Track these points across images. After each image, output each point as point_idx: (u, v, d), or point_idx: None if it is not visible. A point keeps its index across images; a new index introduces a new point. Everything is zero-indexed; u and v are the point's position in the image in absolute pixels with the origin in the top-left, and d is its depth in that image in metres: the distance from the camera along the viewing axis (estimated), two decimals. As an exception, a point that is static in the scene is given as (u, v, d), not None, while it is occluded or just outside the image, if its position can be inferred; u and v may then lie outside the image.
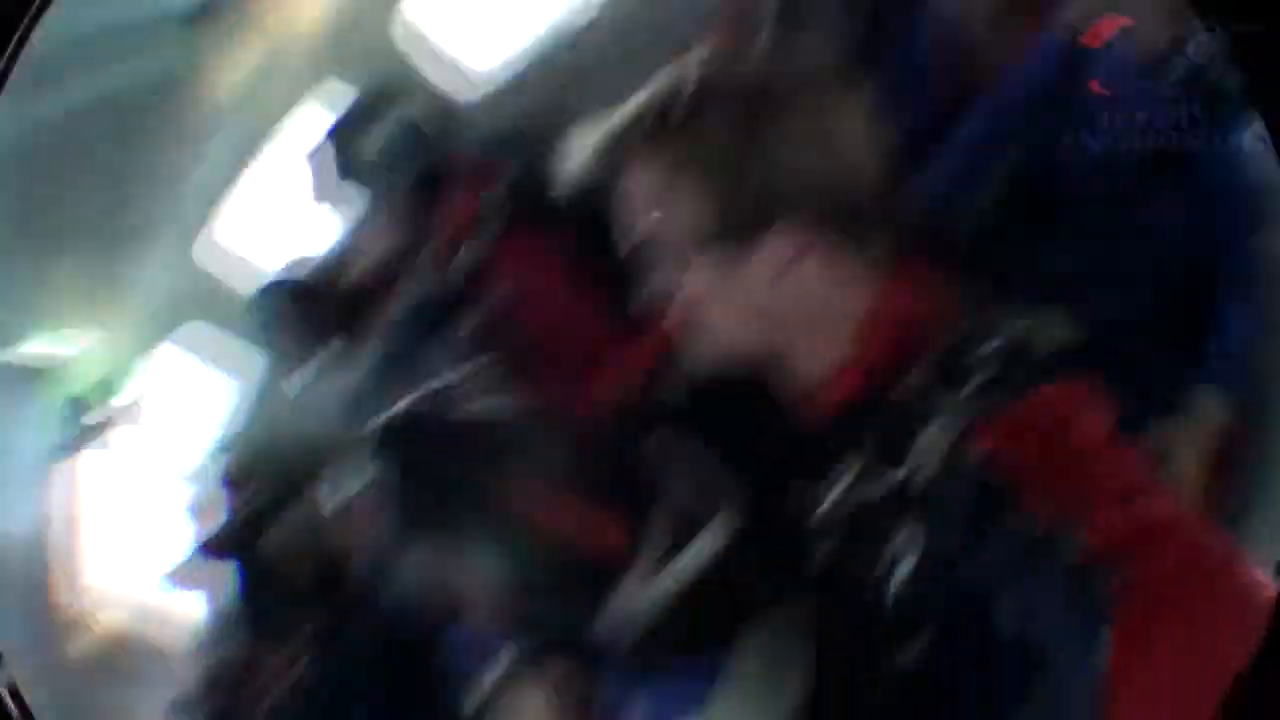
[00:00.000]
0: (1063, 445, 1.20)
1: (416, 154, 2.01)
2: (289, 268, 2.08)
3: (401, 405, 1.54)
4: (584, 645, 1.40)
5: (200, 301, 2.10)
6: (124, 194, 1.98)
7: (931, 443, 1.21)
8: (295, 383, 2.04)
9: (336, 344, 2.02)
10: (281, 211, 2.10)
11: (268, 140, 2.07)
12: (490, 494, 1.41)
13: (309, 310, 2.03)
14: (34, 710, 1.51)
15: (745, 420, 1.34)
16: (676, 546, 1.35)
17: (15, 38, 1.51)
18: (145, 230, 2.04)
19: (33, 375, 2.08)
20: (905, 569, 1.22)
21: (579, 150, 1.25)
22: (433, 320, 1.91)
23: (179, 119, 2.01)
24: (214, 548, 2.00)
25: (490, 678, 1.50)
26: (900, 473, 1.23)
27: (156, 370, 2.14)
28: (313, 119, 2.04)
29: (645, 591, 1.35)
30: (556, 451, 1.47)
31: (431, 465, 1.44)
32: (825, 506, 1.27)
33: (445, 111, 2.06)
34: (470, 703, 1.53)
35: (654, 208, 1.25)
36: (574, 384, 1.67)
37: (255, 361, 2.09)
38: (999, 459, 1.18)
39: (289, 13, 2.05)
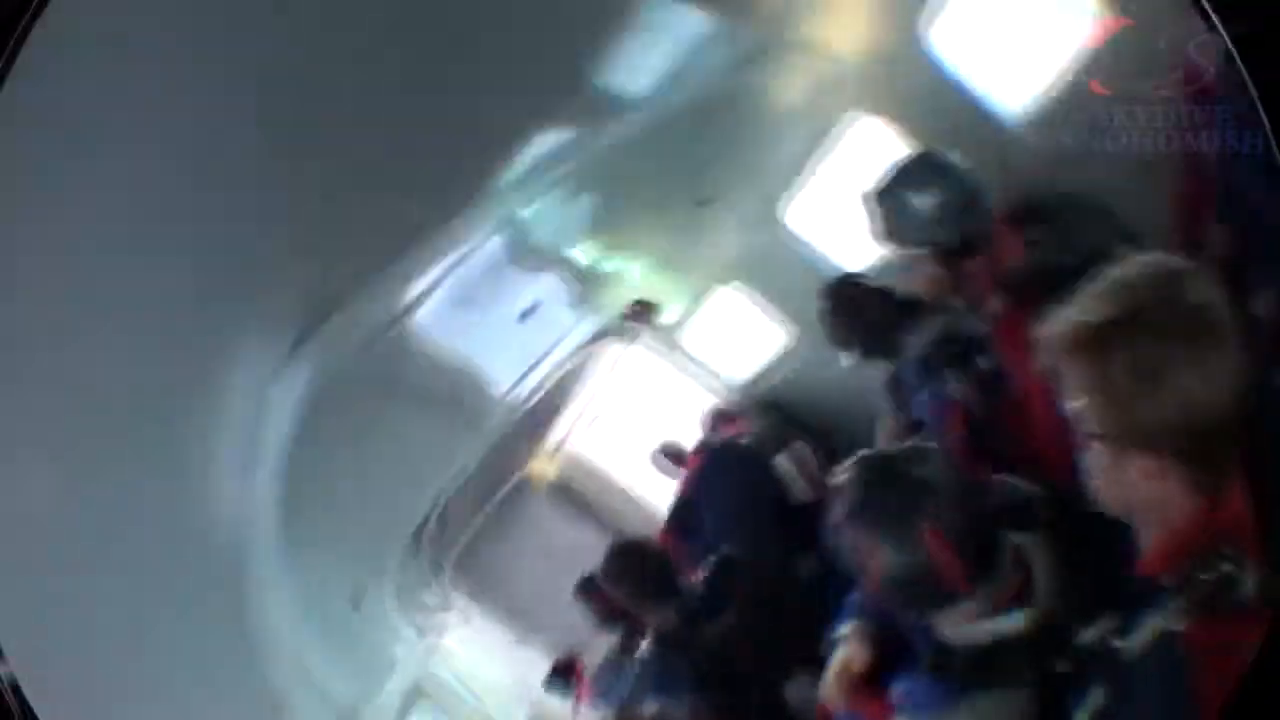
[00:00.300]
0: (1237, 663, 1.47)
1: (965, 214, 2.29)
2: (847, 271, 2.46)
3: (892, 449, 2.08)
4: (905, 638, 1.97)
5: (763, 267, 2.57)
6: (701, 170, 2.46)
7: (1152, 626, 1.51)
8: (840, 362, 2.45)
9: (871, 347, 2.41)
10: (840, 216, 2.44)
11: (825, 150, 2.47)
12: (910, 519, 1.91)
13: (859, 312, 2.42)
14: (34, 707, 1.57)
15: (1090, 546, 1.75)
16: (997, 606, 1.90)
17: (15, 37, 1.51)
18: (720, 200, 2.52)
19: (589, 278, 2.57)
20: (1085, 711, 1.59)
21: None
22: (949, 352, 2.31)
23: (748, 122, 2.49)
24: (717, 454, 2.49)
25: (844, 626, 2.07)
26: (1115, 636, 1.55)
27: (710, 305, 2.60)
28: (863, 142, 2.41)
29: (962, 626, 1.90)
30: (958, 502, 1.95)
31: (888, 483, 1.97)
32: (1083, 636, 1.64)
33: (997, 166, 2.31)
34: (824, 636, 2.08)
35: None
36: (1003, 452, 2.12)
37: (796, 331, 2.55)
38: (1193, 652, 1.45)
39: (840, 42, 2.40)
